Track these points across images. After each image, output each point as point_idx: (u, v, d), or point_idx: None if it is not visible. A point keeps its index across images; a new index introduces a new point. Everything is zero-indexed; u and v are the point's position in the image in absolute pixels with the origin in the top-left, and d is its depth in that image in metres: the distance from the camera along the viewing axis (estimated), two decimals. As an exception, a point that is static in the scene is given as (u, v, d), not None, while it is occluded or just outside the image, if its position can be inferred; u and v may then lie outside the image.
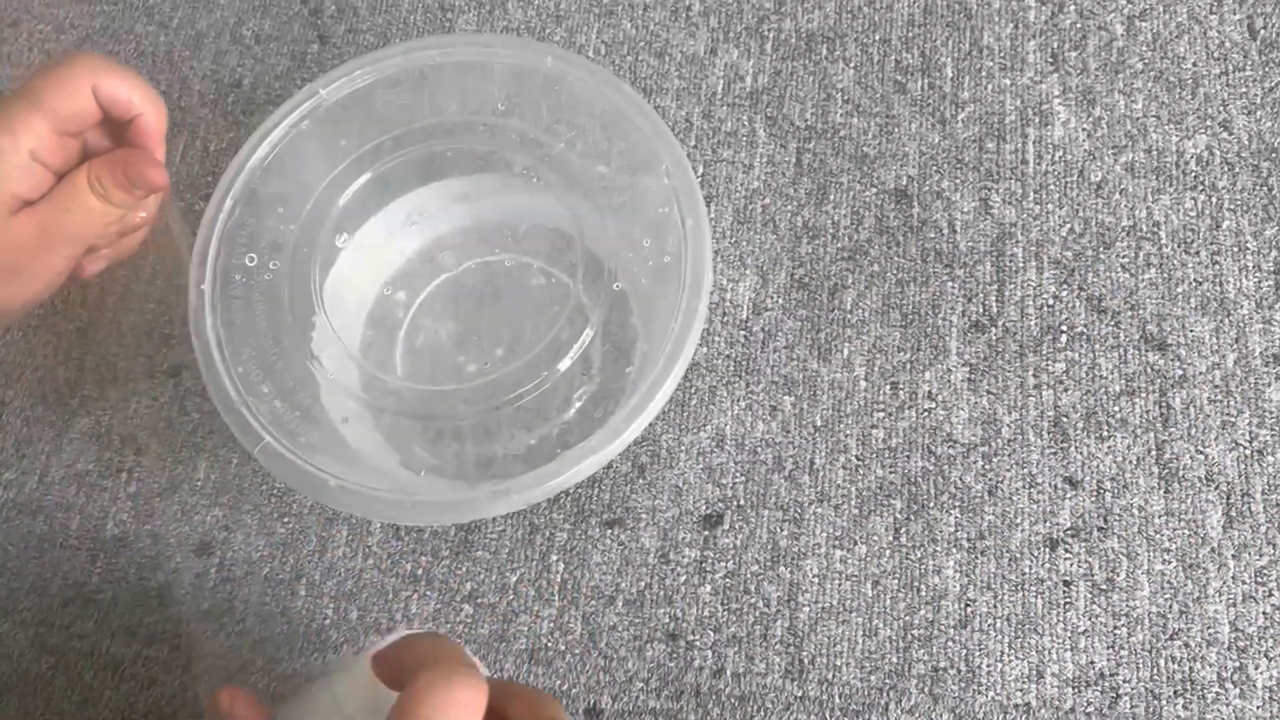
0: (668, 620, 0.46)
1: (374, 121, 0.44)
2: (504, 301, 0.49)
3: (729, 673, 0.46)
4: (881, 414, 0.49)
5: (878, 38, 0.56)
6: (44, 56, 0.59)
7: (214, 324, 0.39)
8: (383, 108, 0.44)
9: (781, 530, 0.47)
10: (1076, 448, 0.48)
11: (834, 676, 0.45)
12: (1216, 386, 0.48)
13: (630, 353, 0.45)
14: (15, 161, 0.37)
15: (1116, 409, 0.48)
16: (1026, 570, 0.46)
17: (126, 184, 0.38)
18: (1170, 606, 0.45)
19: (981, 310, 0.50)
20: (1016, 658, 0.45)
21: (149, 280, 0.54)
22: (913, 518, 0.47)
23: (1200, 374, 0.49)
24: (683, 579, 0.47)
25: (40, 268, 0.38)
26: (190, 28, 0.59)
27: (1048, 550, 0.46)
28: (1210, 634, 0.45)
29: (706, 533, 0.48)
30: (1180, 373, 0.49)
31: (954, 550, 0.47)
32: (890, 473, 0.48)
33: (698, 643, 0.46)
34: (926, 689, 0.45)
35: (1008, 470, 0.48)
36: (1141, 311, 0.50)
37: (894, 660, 0.45)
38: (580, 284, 0.42)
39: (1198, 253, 0.51)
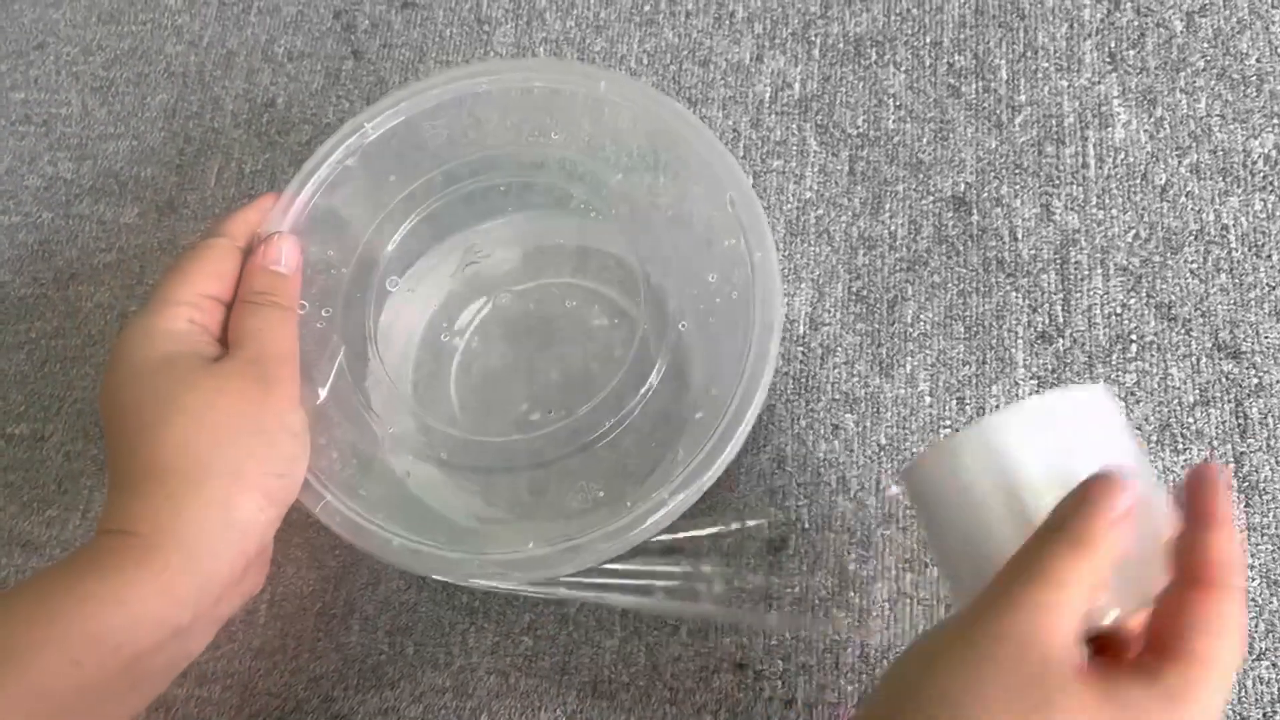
0: (734, 649, 0.45)
1: (424, 155, 0.42)
2: (562, 342, 0.47)
3: (800, 702, 0.44)
4: (948, 430, 0.47)
5: (928, 40, 0.54)
6: (72, 79, 0.58)
7: None
8: (430, 140, 0.42)
9: (849, 554, 0.46)
10: (1151, 461, 0.46)
11: (909, 705, 0.44)
12: (1295, 395, 0.47)
13: (686, 387, 0.43)
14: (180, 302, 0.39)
15: (1191, 420, 0.47)
16: (1105, 590, 0.45)
17: (263, 264, 0.39)
18: (1255, 625, 0.44)
19: (1048, 320, 0.49)
20: (1098, 682, 0.43)
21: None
22: (985, 538, 0.46)
23: (1277, 381, 0.47)
24: (749, 605, 0.46)
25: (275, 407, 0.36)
26: (221, 46, 0.58)
27: (1126, 569, 0.45)
28: (1299, 653, 0.43)
29: (770, 558, 0.46)
30: (1256, 381, 0.47)
31: (1029, 571, 0.45)
32: (960, 492, 0.46)
33: (766, 672, 0.45)
34: (1006, 716, 0.43)
35: (1081, 486, 0.46)
36: (1213, 318, 0.48)
37: (971, 687, 0.44)
38: (644, 324, 0.41)
39: (1269, 256, 0.49)
